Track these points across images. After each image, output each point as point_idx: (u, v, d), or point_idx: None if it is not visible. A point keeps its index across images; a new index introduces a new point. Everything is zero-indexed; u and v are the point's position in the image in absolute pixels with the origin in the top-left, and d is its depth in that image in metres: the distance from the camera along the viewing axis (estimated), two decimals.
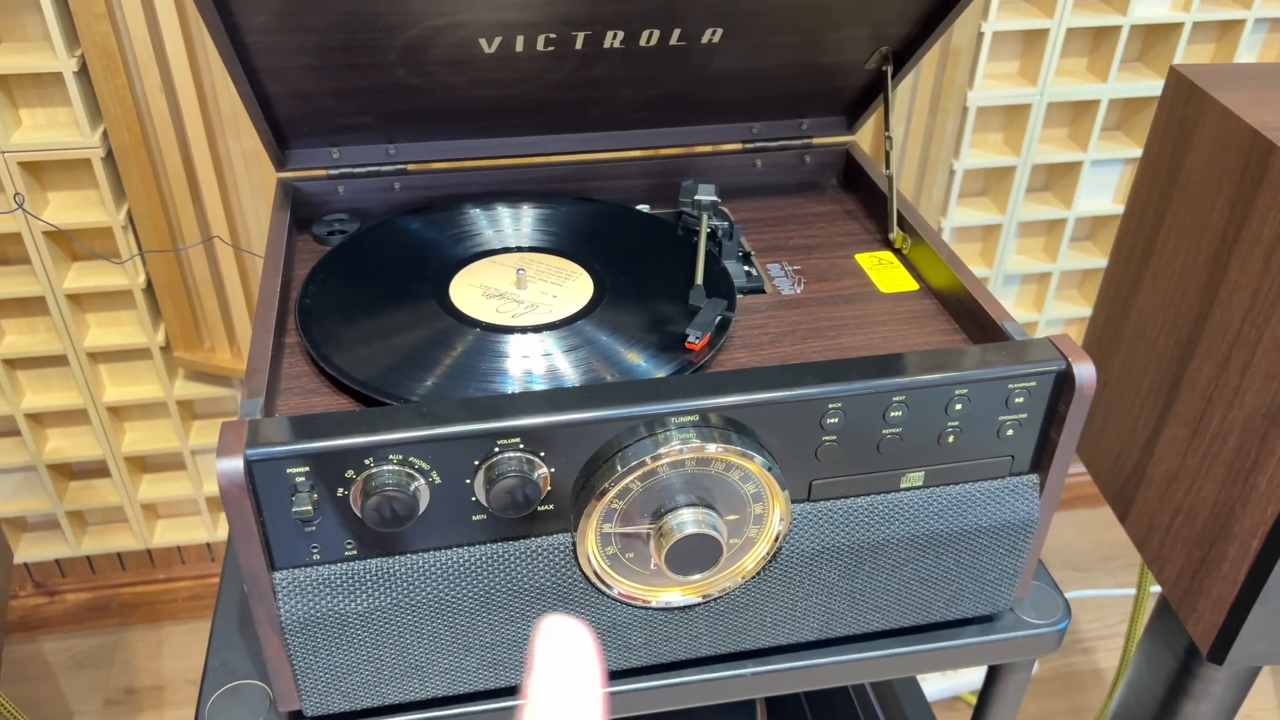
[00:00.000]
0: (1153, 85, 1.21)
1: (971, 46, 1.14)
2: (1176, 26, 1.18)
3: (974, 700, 1.34)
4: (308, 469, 0.48)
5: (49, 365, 1.17)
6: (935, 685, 1.31)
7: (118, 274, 1.10)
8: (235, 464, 0.47)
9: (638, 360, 0.59)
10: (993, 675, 0.71)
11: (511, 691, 0.59)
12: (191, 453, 1.26)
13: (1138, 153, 1.25)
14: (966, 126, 1.19)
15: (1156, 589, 0.85)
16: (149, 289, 1.13)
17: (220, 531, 1.35)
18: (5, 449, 1.21)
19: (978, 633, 0.64)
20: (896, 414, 0.54)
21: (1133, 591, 1.47)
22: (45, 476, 1.23)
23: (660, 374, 0.58)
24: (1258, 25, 1.20)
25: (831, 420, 0.53)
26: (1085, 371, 0.54)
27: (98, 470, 1.27)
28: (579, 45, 0.65)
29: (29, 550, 1.31)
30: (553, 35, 0.63)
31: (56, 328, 1.12)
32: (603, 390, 0.52)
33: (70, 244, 1.11)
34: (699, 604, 0.57)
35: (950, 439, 0.56)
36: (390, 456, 0.49)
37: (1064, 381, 0.55)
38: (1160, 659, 0.83)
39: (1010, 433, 0.56)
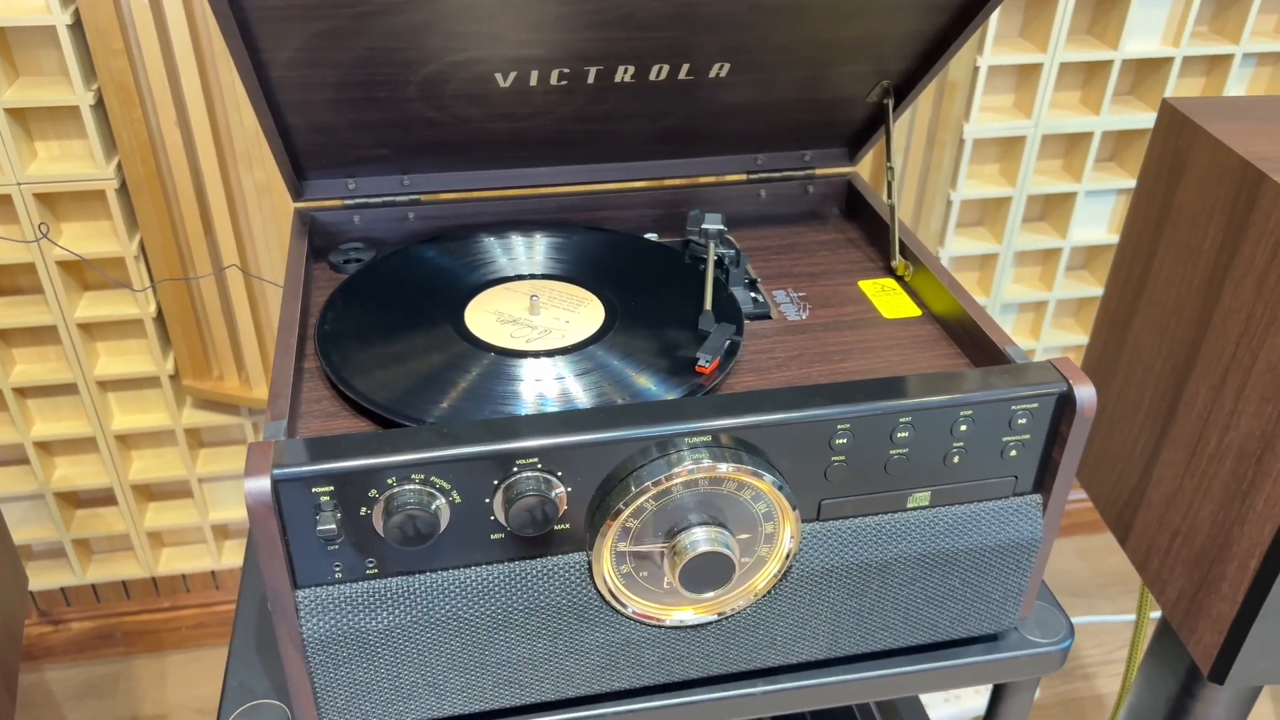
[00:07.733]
0: (1144, 118, 1.24)
1: (967, 81, 1.16)
2: (1167, 61, 1.21)
3: None
4: (332, 488, 0.50)
5: (59, 394, 1.18)
6: (939, 711, 1.31)
7: (129, 303, 1.12)
8: (262, 484, 0.48)
9: (648, 384, 0.61)
10: (997, 695, 0.72)
11: (526, 710, 0.60)
12: (198, 480, 1.27)
13: (1131, 183, 1.28)
14: (963, 158, 1.22)
15: (1156, 613, 0.86)
16: (159, 318, 1.15)
17: (225, 559, 1.35)
18: (14, 477, 1.22)
19: (983, 651, 0.65)
20: (903, 435, 0.55)
21: (1133, 617, 1.48)
22: (53, 504, 1.24)
23: (670, 397, 0.59)
24: (1245, 59, 1.23)
25: (840, 441, 0.55)
26: (1085, 393, 0.56)
27: (104, 498, 1.28)
28: (591, 80, 0.67)
29: (35, 578, 1.31)
30: (566, 70, 0.65)
31: (67, 356, 1.14)
32: (619, 411, 0.53)
33: (83, 274, 1.12)
34: (711, 622, 0.58)
35: (955, 459, 0.57)
36: (413, 476, 0.50)
37: (1065, 403, 0.57)
38: (1162, 681, 0.84)
39: (1014, 454, 0.58)
